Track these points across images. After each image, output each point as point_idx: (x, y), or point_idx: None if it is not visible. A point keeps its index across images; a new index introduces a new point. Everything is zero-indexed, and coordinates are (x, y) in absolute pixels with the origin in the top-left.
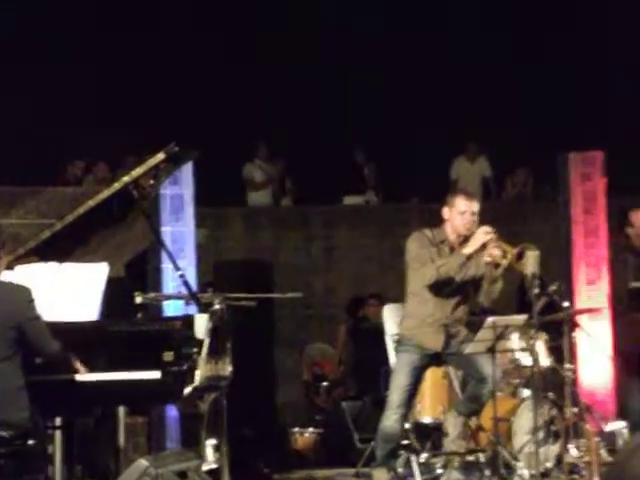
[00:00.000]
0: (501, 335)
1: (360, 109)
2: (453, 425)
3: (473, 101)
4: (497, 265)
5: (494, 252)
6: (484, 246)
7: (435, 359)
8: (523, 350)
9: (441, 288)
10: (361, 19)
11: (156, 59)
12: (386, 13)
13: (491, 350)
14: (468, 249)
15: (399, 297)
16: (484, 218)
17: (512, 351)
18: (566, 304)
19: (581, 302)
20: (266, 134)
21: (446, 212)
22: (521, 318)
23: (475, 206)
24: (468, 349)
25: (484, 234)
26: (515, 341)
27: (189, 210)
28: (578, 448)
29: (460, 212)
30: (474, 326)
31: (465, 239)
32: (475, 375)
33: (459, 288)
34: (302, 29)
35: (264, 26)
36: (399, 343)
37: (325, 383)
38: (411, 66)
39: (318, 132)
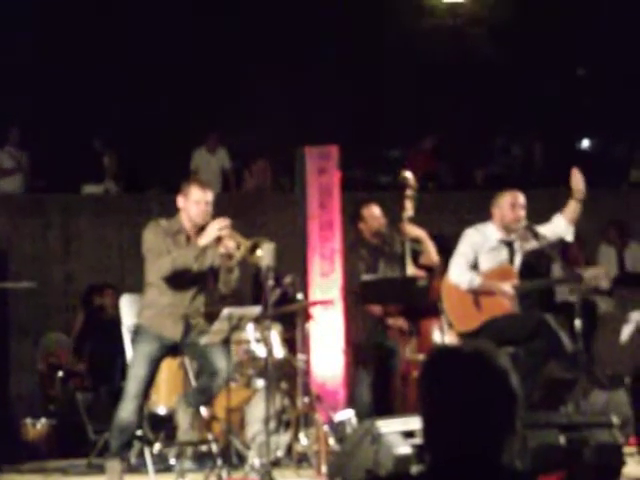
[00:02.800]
0: (236, 326)
1: (101, 98)
2: (183, 416)
3: (214, 93)
4: (231, 256)
5: (228, 244)
6: (219, 238)
7: (172, 350)
8: (258, 341)
9: (178, 279)
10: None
11: None
12: None
13: (226, 341)
14: (203, 241)
15: (139, 287)
16: (223, 209)
17: (247, 342)
18: (300, 296)
19: (315, 294)
20: (20, 119)
21: (181, 201)
22: (256, 309)
23: (209, 196)
24: (204, 340)
25: (218, 229)
26: (250, 332)
27: None
28: (308, 437)
29: (195, 201)
30: (212, 317)
31: (201, 228)
32: (207, 368)
33: (197, 278)
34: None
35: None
36: (137, 333)
37: (60, 373)
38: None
39: (58, 120)
